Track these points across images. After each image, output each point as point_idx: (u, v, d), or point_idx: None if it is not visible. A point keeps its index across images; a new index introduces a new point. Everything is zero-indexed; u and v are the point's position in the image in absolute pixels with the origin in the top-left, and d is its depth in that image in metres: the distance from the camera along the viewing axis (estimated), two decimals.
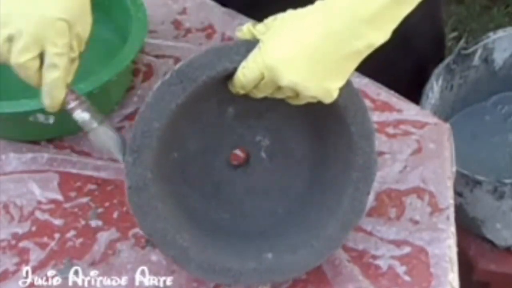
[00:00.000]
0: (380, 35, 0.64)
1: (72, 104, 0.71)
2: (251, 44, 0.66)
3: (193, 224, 0.73)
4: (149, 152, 0.67)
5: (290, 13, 0.66)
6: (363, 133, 0.71)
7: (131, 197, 0.68)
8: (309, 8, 0.65)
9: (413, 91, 0.70)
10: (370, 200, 0.80)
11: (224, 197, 0.75)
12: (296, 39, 0.64)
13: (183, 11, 1.02)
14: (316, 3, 0.65)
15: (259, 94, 0.67)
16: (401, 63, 1.05)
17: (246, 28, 0.67)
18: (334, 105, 0.68)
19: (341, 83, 0.66)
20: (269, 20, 0.67)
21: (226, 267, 0.70)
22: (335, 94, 0.66)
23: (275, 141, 0.75)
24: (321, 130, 0.73)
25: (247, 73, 0.66)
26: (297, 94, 0.66)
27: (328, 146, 0.74)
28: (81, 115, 0.71)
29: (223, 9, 1.01)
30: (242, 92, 0.67)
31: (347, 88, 0.68)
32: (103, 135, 0.70)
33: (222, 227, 0.75)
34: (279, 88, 0.66)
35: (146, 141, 0.66)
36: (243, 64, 0.66)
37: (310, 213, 0.74)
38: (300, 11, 0.65)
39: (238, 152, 0.76)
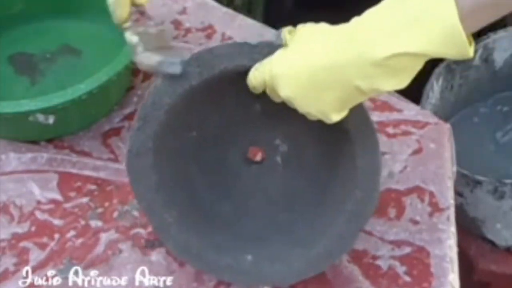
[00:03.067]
0: (392, 82, 0.59)
1: (127, 24, 0.73)
2: (275, 47, 0.65)
3: (190, 206, 0.73)
4: (155, 122, 0.68)
5: (314, 26, 0.64)
6: (368, 170, 0.70)
7: (129, 160, 0.69)
8: (333, 28, 0.62)
9: (413, 91, 0.70)
10: None
11: (231, 189, 0.76)
12: (304, 57, 0.62)
13: (183, 11, 1.02)
14: (345, 24, 0.61)
15: (272, 98, 0.67)
16: None
17: (284, 31, 0.65)
18: (342, 129, 0.68)
19: (339, 113, 0.63)
20: (298, 27, 0.65)
21: (201, 254, 0.70)
22: (334, 119, 0.64)
23: (292, 148, 0.75)
24: (333, 150, 0.73)
25: (257, 75, 0.66)
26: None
27: (339, 167, 0.73)
28: (130, 37, 0.72)
29: (223, 9, 1.01)
30: (255, 92, 0.68)
31: (358, 117, 0.68)
32: (145, 61, 0.70)
33: (219, 217, 0.75)
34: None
35: (154, 112, 0.68)
36: (256, 65, 0.66)
37: (305, 228, 0.73)
38: (322, 28, 0.63)
39: (255, 149, 0.76)
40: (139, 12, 0.75)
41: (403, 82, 0.60)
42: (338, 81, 0.61)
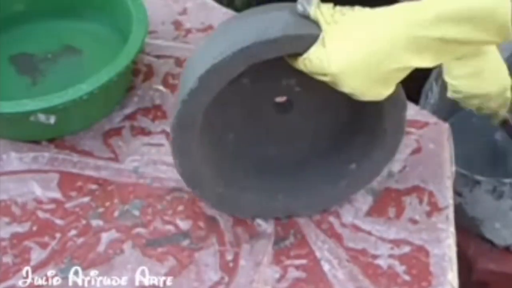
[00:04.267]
0: (430, 62, 0.65)
1: None
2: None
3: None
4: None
5: (359, 12, 0.66)
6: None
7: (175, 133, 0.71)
8: (376, 12, 0.66)
9: (412, 91, 0.71)
10: (370, 200, 0.81)
11: (263, 137, 0.78)
12: (360, 48, 0.64)
13: (184, 12, 1.02)
14: (390, 7, 0.66)
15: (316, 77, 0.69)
16: None
17: (314, 8, 0.67)
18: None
19: (391, 89, 0.68)
20: (337, 11, 0.67)
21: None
22: (385, 95, 0.68)
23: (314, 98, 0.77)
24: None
25: (308, 65, 0.66)
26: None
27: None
28: None
29: (223, 9, 1.01)
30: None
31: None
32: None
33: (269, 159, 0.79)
34: None
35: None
36: (305, 55, 0.66)
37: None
38: (368, 14, 0.66)
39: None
40: None
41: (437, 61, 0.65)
42: (395, 63, 0.64)
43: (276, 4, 0.71)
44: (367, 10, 0.66)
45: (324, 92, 0.73)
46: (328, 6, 0.67)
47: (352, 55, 0.65)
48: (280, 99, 0.76)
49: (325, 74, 0.66)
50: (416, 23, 0.63)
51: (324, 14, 0.66)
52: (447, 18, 0.63)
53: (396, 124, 0.75)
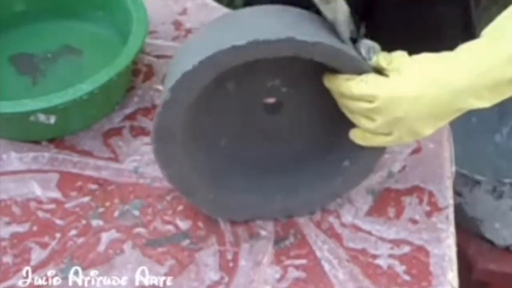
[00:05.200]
0: (489, 102, 0.67)
1: None
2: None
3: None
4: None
5: (423, 55, 0.68)
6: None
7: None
8: (440, 56, 0.67)
9: None
10: (370, 199, 0.81)
11: (256, 138, 0.78)
12: (423, 82, 0.66)
13: (184, 12, 1.02)
14: (453, 53, 0.68)
15: (344, 104, 0.70)
16: None
17: (380, 58, 0.68)
18: None
19: (431, 132, 0.69)
20: (397, 55, 0.69)
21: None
22: (419, 137, 0.70)
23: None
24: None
25: (363, 88, 0.67)
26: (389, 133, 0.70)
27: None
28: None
29: (223, 9, 1.01)
30: (338, 93, 0.70)
31: None
32: (339, 9, 0.69)
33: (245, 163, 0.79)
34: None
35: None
36: (362, 77, 0.68)
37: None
38: (430, 56, 0.68)
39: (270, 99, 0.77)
40: None
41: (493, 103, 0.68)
42: (451, 103, 0.66)
43: (252, 8, 0.71)
44: (430, 54, 0.68)
45: (311, 93, 0.73)
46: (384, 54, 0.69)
47: (413, 84, 0.66)
48: (269, 100, 0.76)
49: (372, 99, 0.67)
50: (492, 67, 0.65)
51: (385, 59, 0.68)
52: None
53: None
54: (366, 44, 0.69)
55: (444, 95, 0.66)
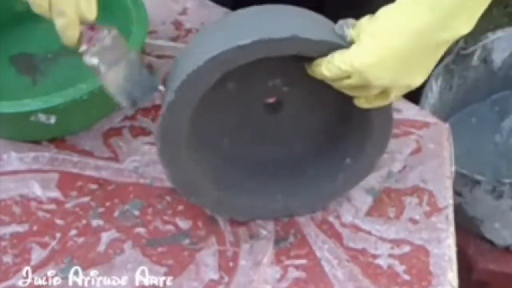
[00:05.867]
0: (465, 25, 0.65)
1: (83, 48, 0.71)
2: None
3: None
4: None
5: (382, 12, 0.66)
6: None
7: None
8: (398, 4, 0.65)
9: (412, 91, 0.71)
10: (370, 199, 0.81)
11: (256, 138, 0.78)
12: (384, 43, 0.65)
13: (184, 12, 1.02)
14: None
15: (337, 86, 0.69)
16: None
17: (349, 28, 0.67)
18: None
19: (423, 78, 0.68)
20: (363, 21, 0.67)
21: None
22: (414, 87, 0.69)
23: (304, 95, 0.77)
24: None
25: (332, 69, 0.66)
26: (386, 92, 0.68)
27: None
28: (89, 61, 0.71)
29: (223, 9, 1.01)
30: (325, 80, 0.69)
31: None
32: (110, 82, 0.70)
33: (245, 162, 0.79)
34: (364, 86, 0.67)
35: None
36: (328, 58, 0.66)
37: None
38: (390, 9, 0.66)
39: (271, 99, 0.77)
40: (89, 28, 0.72)
41: (473, 24, 0.65)
42: (425, 42, 0.64)
43: (257, 7, 0.71)
44: (388, 7, 0.66)
45: (312, 91, 0.73)
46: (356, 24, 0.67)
47: (376, 51, 0.64)
48: (270, 100, 0.76)
49: (347, 75, 0.66)
50: None
51: (351, 32, 0.67)
52: None
53: (383, 119, 0.75)
54: (341, 26, 0.68)
55: (411, 41, 0.64)
